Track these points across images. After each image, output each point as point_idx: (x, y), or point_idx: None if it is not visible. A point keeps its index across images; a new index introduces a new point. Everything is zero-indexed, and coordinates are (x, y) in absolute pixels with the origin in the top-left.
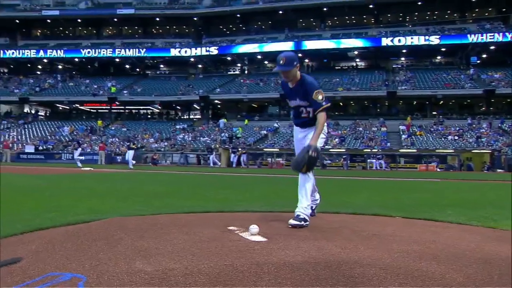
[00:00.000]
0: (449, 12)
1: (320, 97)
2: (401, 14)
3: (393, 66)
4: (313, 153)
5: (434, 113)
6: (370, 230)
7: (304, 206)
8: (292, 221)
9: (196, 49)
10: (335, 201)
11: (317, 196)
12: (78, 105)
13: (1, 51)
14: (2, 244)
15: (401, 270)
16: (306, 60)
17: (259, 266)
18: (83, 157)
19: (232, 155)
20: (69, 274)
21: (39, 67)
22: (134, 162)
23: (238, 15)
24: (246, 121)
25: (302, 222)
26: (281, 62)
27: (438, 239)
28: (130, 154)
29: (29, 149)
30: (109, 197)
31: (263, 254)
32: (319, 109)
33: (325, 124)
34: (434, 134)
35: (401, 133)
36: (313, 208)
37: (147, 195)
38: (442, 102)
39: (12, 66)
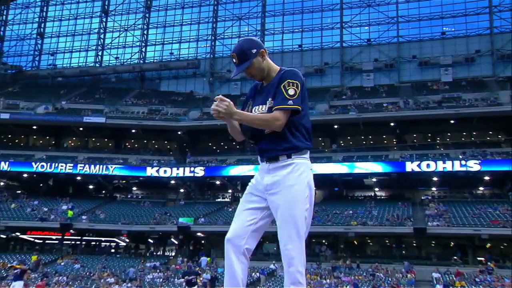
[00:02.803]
0: (490, 132)
1: (291, 91)
2: (429, 134)
3: (422, 198)
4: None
5: (480, 258)
6: None
7: None
8: None
9: (178, 169)
10: None
11: None
12: (18, 234)
13: None
14: None
15: None
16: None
17: None
18: None
19: None
20: None
21: None
22: None
23: None
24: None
25: None
26: (234, 61)
27: None
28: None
29: None
30: None
31: None
32: (278, 106)
33: (307, 169)
34: (480, 287)
35: (435, 282)
36: None
37: None
38: (489, 244)
39: None
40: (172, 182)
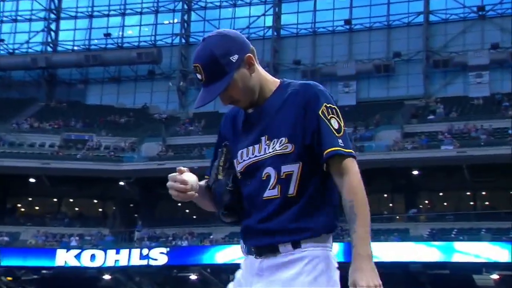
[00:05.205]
0: None
1: (335, 124)
2: None
3: None
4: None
5: None
6: None
7: None
8: None
9: (118, 253)
10: None
11: None
12: None
13: None
14: None
15: None
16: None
17: None
18: None
19: None
20: None
21: None
22: None
23: None
24: None
25: None
26: (200, 77)
27: None
28: None
29: None
30: None
31: None
32: (335, 148)
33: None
34: None
35: None
36: None
37: None
38: None
39: None
40: (107, 277)
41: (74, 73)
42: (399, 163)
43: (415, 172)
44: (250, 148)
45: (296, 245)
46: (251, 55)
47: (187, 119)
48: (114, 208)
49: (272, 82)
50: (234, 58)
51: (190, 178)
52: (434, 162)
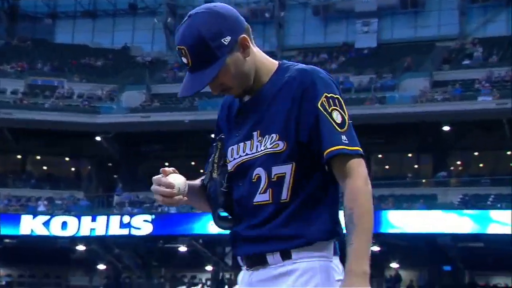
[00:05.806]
0: None
1: (338, 117)
2: None
3: None
4: None
5: None
6: None
7: None
8: None
9: (94, 220)
10: None
11: None
12: None
13: None
14: None
15: None
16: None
17: None
18: None
19: None
20: None
21: None
22: None
23: None
24: None
25: None
26: (185, 61)
27: None
28: None
29: None
30: None
31: None
32: (337, 147)
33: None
34: None
35: None
36: None
37: None
38: None
39: None
40: (81, 248)
41: (40, 5)
42: (427, 117)
43: (446, 128)
44: (241, 144)
45: (285, 255)
46: (246, 36)
47: (175, 63)
48: (89, 167)
49: (270, 64)
50: (226, 40)
51: (177, 179)
52: (468, 116)
